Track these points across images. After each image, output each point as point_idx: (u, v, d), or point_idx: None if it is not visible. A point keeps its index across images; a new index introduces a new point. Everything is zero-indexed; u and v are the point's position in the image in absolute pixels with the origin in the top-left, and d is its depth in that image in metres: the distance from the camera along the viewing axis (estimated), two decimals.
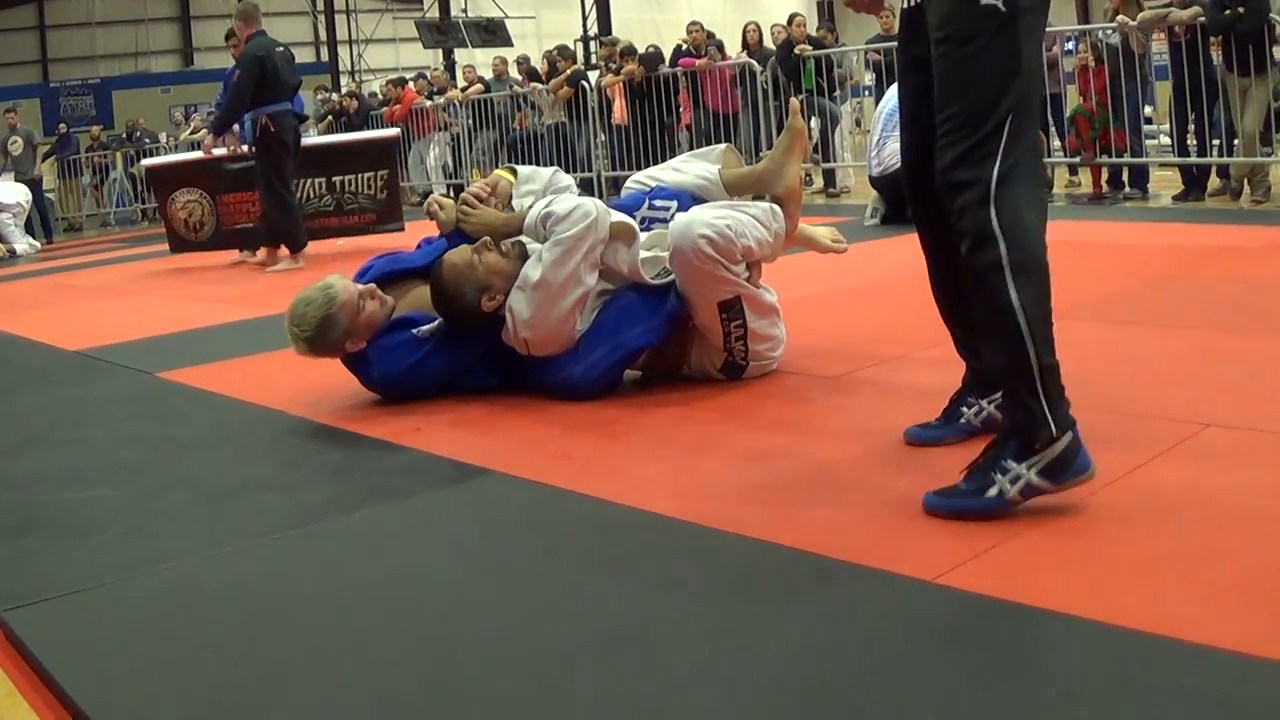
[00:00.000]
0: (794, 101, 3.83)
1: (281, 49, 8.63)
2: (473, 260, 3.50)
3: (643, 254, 3.50)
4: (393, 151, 9.67)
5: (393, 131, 10.68)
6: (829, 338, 4.05)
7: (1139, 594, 1.90)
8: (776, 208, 3.61)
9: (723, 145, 4.00)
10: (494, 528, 2.59)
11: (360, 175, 9.36)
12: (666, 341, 3.54)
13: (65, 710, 1.88)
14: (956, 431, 2.73)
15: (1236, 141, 8.45)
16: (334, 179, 9.35)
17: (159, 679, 1.93)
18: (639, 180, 3.97)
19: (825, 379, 3.57)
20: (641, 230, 3.63)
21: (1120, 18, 8.63)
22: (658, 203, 3.74)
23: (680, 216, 3.49)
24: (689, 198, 3.77)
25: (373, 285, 3.70)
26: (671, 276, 3.47)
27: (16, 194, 13.99)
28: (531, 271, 3.43)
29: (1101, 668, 1.68)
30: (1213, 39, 8.24)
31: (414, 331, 3.60)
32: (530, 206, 3.64)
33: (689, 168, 3.93)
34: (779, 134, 3.86)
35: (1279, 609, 1.81)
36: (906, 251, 6.62)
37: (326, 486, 2.98)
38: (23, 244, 13.82)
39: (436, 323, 3.60)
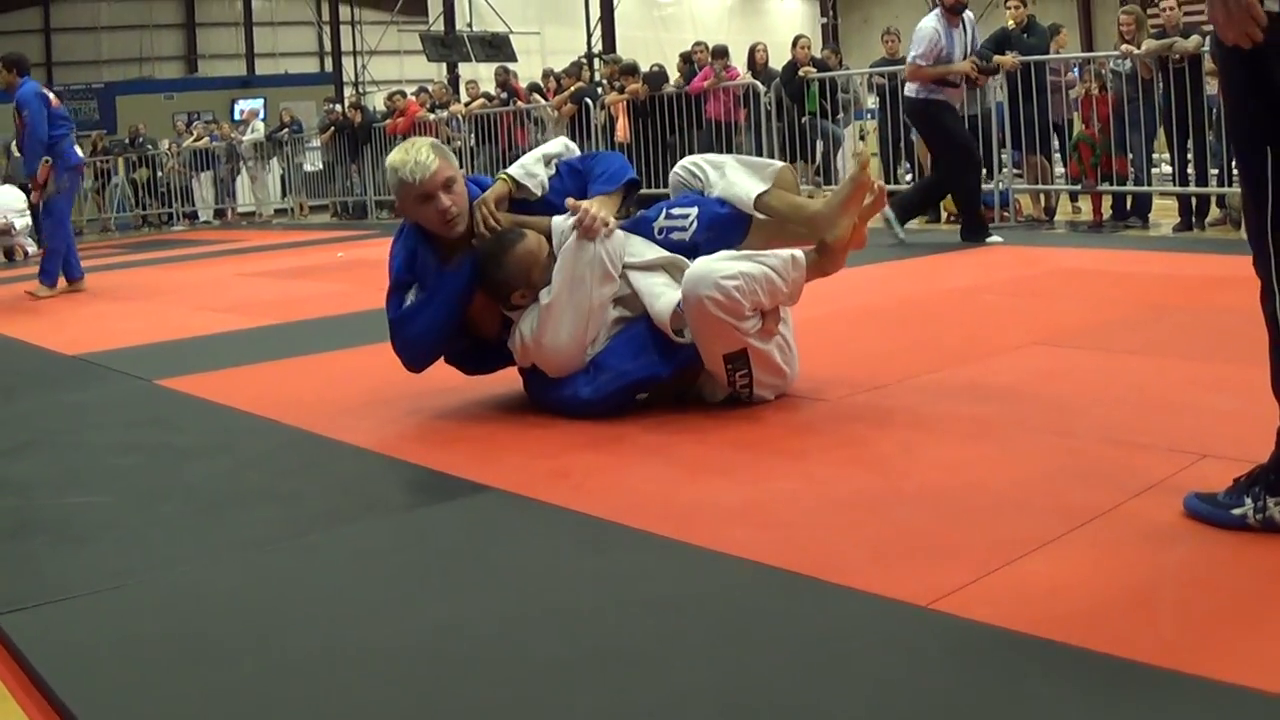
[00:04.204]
0: (865, 151, 3.71)
1: None
2: (544, 261, 3.52)
3: (670, 294, 3.46)
4: None
5: None
6: (830, 361, 4.05)
7: (1133, 623, 1.91)
8: (799, 256, 3.44)
9: (782, 163, 3.82)
10: (488, 544, 2.59)
11: None
12: (676, 377, 3.52)
13: (58, 715, 1.88)
14: (1230, 522, 2.29)
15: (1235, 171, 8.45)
16: None
17: (152, 686, 1.93)
18: (687, 166, 3.82)
19: (824, 402, 3.57)
20: (659, 240, 3.60)
21: (1125, 46, 8.65)
22: (675, 211, 3.66)
23: (695, 267, 3.37)
24: (716, 204, 3.64)
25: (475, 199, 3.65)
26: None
27: (17, 199, 14.01)
28: (543, 295, 3.46)
29: (1094, 697, 1.68)
30: (1207, 70, 8.22)
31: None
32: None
33: (737, 179, 3.69)
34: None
35: (1272, 639, 1.81)
36: (906, 276, 6.65)
37: (322, 498, 2.98)
38: (33, 246, 13.90)
39: None
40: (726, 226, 3.58)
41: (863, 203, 3.62)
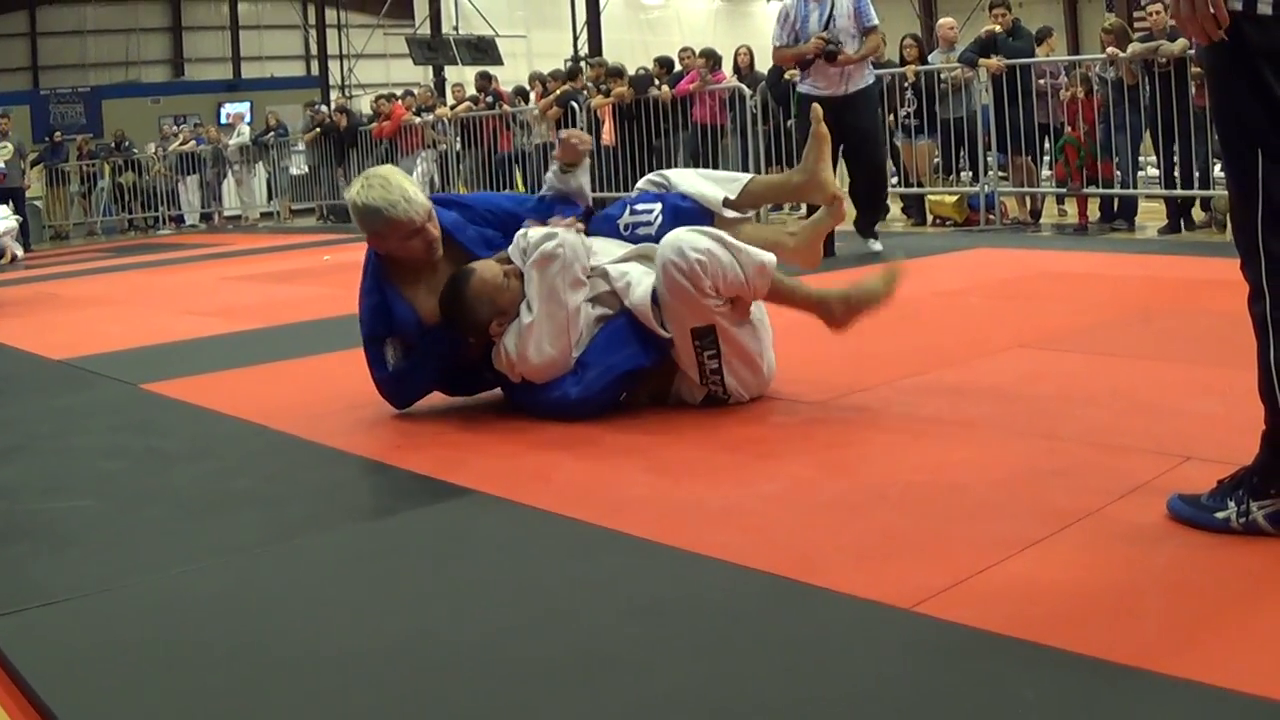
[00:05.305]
0: (815, 108, 3.74)
1: None
2: (502, 283, 3.50)
3: (647, 281, 3.48)
4: None
5: None
6: (814, 363, 4.05)
7: (1116, 625, 1.91)
8: (769, 265, 3.44)
9: (749, 176, 3.85)
10: (472, 548, 2.59)
11: None
12: (659, 365, 3.53)
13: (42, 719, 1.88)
14: (1213, 525, 2.30)
15: (1219, 174, 8.47)
16: None
17: (136, 690, 1.93)
18: (650, 178, 3.88)
19: (809, 404, 3.58)
20: (625, 237, 3.64)
21: (1110, 50, 8.66)
22: (639, 207, 3.70)
23: (672, 233, 3.43)
24: (678, 198, 3.68)
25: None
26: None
27: (4, 208, 13.96)
28: (524, 313, 3.46)
29: (1076, 699, 1.69)
30: (1193, 74, 8.23)
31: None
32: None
33: (701, 182, 3.75)
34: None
35: (1254, 643, 1.82)
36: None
37: (306, 503, 2.98)
38: (20, 249, 13.84)
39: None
40: (691, 220, 3.58)
41: (829, 153, 3.71)
